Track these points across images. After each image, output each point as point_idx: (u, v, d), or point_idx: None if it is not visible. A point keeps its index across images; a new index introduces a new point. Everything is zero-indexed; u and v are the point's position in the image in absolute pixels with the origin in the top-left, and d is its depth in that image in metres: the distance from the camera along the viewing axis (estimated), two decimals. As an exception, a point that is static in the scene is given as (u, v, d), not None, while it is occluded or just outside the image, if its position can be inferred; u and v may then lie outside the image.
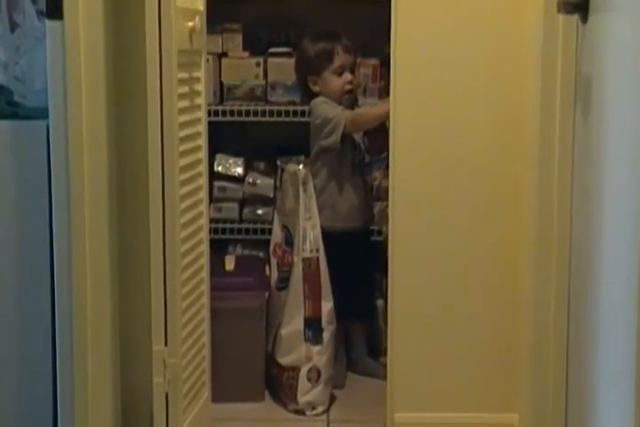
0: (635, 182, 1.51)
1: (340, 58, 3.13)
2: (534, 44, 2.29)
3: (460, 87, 2.57)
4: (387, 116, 2.89)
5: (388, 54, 2.61)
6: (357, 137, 3.18)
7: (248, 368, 2.99)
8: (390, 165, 2.63)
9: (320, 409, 2.95)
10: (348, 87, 3.14)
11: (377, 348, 3.21)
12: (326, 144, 3.07)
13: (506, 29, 2.54)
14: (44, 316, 2.16)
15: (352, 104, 3.20)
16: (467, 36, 2.55)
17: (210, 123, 2.64)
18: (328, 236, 2.98)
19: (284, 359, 2.98)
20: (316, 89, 3.16)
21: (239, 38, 3.50)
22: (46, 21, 2.05)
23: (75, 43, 2.05)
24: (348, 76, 3.14)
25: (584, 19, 1.95)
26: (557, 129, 2.15)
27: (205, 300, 2.58)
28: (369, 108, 3.17)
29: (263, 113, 3.40)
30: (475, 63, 2.56)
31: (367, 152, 3.24)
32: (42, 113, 2.11)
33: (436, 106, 2.58)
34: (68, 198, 2.09)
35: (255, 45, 3.51)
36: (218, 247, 3.30)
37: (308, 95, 3.20)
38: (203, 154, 2.54)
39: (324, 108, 3.10)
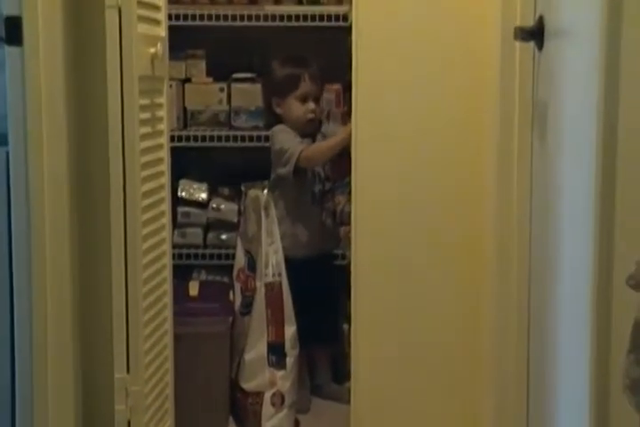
0: (588, 204, 1.54)
1: (306, 85, 3.14)
2: (493, 70, 2.31)
3: (421, 112, 2.59)
4: (340, 146, 2.93)
5: (351, 80, 2.63)
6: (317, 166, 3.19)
7: (212, 394, 2.97)
8: (352, 189, 2.64)
9: (285, 434, 2.94)
10: (310, 116, 3.15)
11: (341, 372, 3.20)
12: (281, 174, 3.09)
13: (467, 56, 2.56)
14: (2, 341, 2.14)
15: (314, 131, 3.21)
16: (427, 62, 2.57)
17: (173, 148, 2.64)
18: (291, 261, 2.98)
19: (248, 385, 2.97)
20: (280, 111, 3.17)
21: (202, 64, 3.51)
22: (6, 47, 2.05)
23: (34, 69, 2.05)
24: (311, 104, 3.15)
25: (540, 46, 1.98)
26: (516, 153, 2.18)
27: (168, 326, 2.57)
28: (321, 143, 3.14)
29: (227, 138, 3.42)
30: (435, 88, 2.58)
31: (328, 178, 3.24)
32: (1, 140, 2.10)
33: (397, 131, 2.60)
34: (28, 227, 2.08)
35: (219, 71, 3.53)
36: (182, 273, 3.30)
37: (273, 119, 3.20)
38: (165, 179, 2.53)
39: (283, 137, 3.11)
